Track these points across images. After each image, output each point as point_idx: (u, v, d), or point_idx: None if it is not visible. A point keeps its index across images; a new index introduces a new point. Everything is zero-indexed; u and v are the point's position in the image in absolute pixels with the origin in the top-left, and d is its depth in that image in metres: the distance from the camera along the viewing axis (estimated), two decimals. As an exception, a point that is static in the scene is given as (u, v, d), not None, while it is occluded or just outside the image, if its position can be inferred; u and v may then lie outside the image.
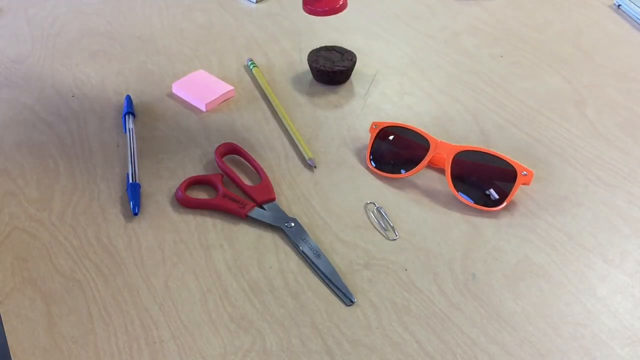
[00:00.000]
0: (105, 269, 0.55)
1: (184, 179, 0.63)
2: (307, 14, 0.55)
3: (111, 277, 0.54)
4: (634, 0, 0.92)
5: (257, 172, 0.64)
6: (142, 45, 0.82)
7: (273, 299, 0.53)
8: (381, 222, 0.60)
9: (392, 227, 0.59)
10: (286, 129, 0.70)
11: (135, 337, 0.50)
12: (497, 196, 0.61)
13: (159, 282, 0.54)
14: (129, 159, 0.64)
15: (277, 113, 0.72)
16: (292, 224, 0.59)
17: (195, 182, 0.63)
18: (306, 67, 0.79)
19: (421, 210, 0.61)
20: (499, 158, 0.62)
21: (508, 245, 0.58)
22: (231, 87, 0.74)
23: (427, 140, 0.64)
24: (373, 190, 0.63)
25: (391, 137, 0.66)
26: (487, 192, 0.62)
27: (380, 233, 0.59)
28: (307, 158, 0.66)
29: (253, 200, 0.61)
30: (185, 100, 0.74)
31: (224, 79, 0.76)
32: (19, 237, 0.58)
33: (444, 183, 0.64)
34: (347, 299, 0.53)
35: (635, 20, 0.91)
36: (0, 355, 0.51)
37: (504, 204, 0.61)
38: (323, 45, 0.78)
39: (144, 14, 0.90)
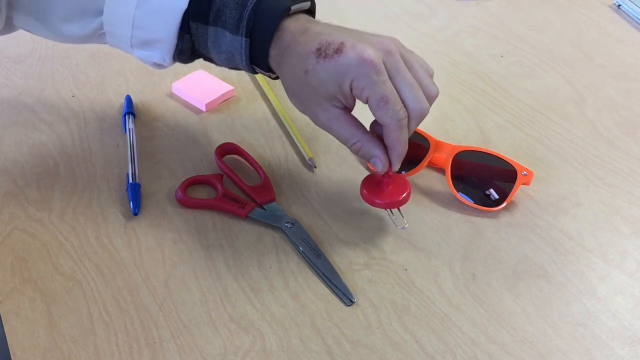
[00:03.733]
0: (105, 269, 0.55)
1: (183, 179, 0.62)
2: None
3: (111, 277, 0.54)
4: (634, 0, 0.92)
5: (257, 172, 0.64)
6: (142, 45, 0.82)
7: (273, 299, 0.53)
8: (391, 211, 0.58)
9: (402, 215, 0.58)
10: (286, 129, 0.70)
11: (135, 337, 0.50)
12: (497, 196, 0.61)
13: (159, 282, 0.54)
14: (129, 159, 0.64)
15: (277, 113, 0.72)
16: (292, 224, 0.58)
17: (195, 182, 0.63)
18: (306, 67, 0.79)
19: (421, 210, 0.61)
20: (499, 158, 0.62)
21: (508, 245, 0.58)
22: (231, 87, 0.74)
23: (427, 140, 0.64)
24: (373, 190, 0.63)
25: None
26: (487, 192, 0.62)
27: (391, 220, 0.58)
28: (307, 158, 0.66)
29: (253, 200, 0.61)
30: (185, 100, 0.74)
31: (224, 79, 0.76)
32: (19, 237, 0.58)
33: (444, 183, 0.64)
34: (347, 299, 0.53)
35: (635, 20, 0.91)
36: (0, 355, 0.51)
37: (504, 204, 0.61)
38: (323, 45, 0.78)
39: (144, 14, 0.89)
